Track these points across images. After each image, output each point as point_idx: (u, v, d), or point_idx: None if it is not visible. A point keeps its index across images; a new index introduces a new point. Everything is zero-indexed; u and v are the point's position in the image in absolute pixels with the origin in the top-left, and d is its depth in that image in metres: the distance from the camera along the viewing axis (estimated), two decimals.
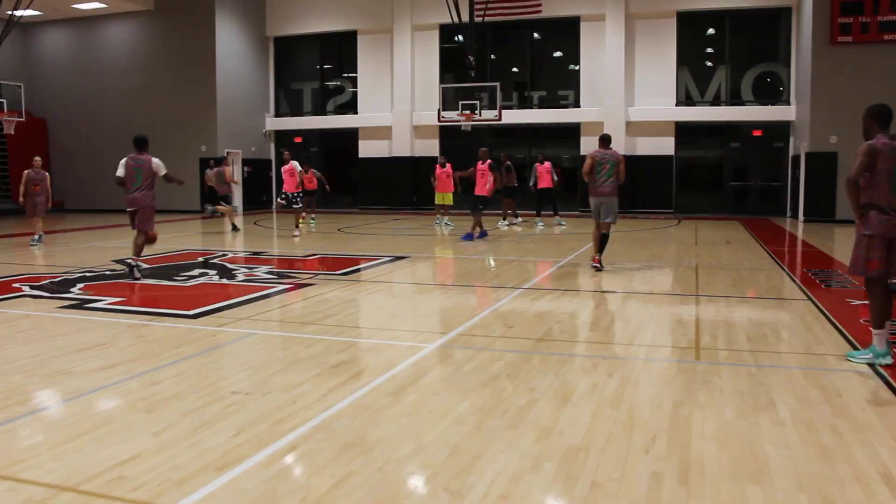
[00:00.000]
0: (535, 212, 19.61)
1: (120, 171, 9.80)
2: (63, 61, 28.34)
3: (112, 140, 27.42)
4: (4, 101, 23.51)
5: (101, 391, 5.00)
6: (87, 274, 10.36)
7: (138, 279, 9.51)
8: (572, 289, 9.24)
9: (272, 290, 8.84)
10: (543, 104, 25.40)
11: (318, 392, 4.92)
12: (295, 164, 16.64)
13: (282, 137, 28.44)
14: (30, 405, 4.72)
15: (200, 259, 12.00)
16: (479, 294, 8.86)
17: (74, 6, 26.49)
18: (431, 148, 26.31)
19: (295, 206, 16.47)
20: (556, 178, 19.04)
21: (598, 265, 10.54)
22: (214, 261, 11.71)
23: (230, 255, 12.58)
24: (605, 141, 10.56)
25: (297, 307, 8.02)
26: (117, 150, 26.81)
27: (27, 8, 24.05)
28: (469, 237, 14.96)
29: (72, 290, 8.94)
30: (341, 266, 11.20)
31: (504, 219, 19.25)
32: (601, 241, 10.65)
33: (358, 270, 10.69)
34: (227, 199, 18.71)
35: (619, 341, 6.40)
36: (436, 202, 19.12)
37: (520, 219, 19.27)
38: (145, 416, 4.47)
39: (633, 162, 23.41)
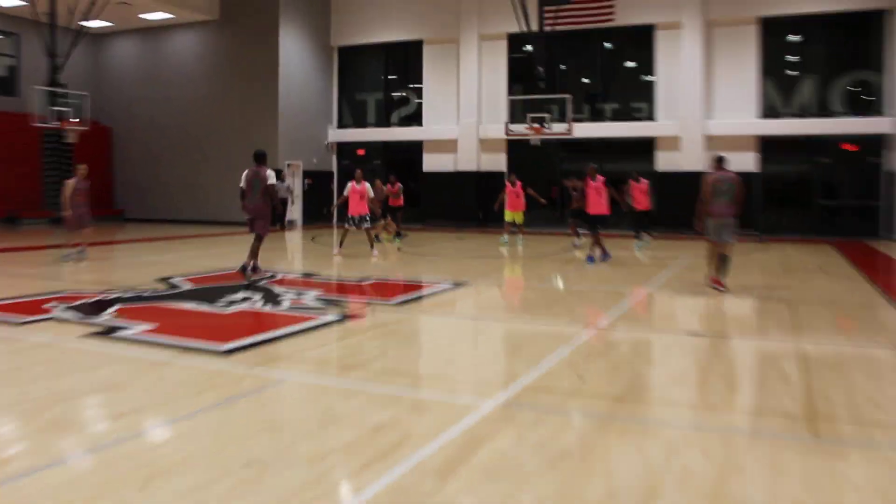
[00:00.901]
0: (633, 233, 18.64)
1: (242, 183, 11.32)
2: (130, 70, 28.67)
3: (173, 149, 27.68)
4: (71, 109, 23.61)
5: (93, 454, 4.26)
6: (126, 295, 9.88)
7: (256, 280, 10.88)
8: (650, 328, 8.32)
9: (317, 322, 8.16)
10: (616, 117, 24.76)
11: (351, 466, 4.10)
12: (367, 186, 15.31)
13: (344, 149, 28.33)
14: None
15: (246, 280, 11.50)
16: (547, 332, 7.97)
17: (142, 16, 26.70)
18: (498, 162, 25.81)
19: (365, 227, 15.33)
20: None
21: (720, 286, 10.45)
22: (262, 283, 11.17)
23: (280, 276, 12.00)
24: (721, 162, 10.52)
25: (341, 345, 7.28)
26: (178, 159, 27.33)
27: (97, 19, 24.17)
28: (591, 260, 14.26)
29: (104, 313, 8.47)
30: (397, 293, 10.62)
31: (578, 238, 18.18)
32: (722, 263, 10.56)
33: (415, 299, 10.01)
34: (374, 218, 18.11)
35: (713, 404, 5.39)
36: (506, 219, 18.59)
37: (581, 240, 18.28)
38: (137, 497, 3.69)
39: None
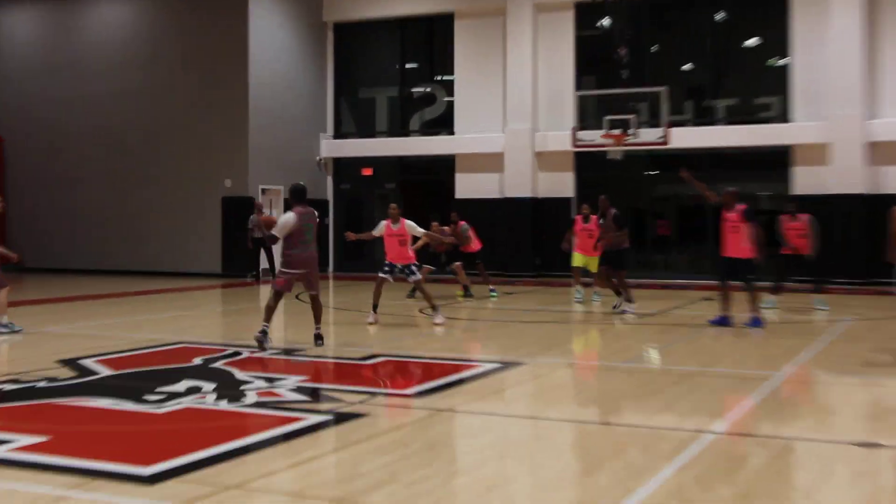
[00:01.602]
0: (770, 285, 17.82)
1: (284, 229, 12.04)
2: (27, 56, 28.88)
3: (94, 170, 27.62)
4: None
5: None
6: (11, 385, 9.67)
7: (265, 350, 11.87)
8: (798, 431, 7.91)
9: (295, 426, 7.88)
10: (733, 118, 24.75)
11: None
12: (411, 224, 15.23)
13: (344, 168, 28.58)
14: None
15: (198, 360, 11.34)
16: (641, 438, 7.64)
17: None
18: (562, 185, 25.86)
19: (414, 279, 15.30)
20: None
21: None
22: (218, 363, 11.04)
23: (245, 353, 11.92)
24: None
25: (328, 463, 6.99)
26: (100, 184, 27.24)
27: None
28: (756, 323, 14.31)
29: None
30: (414, 379, 10.72)
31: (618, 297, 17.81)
32: None
33: (443, 388, 9.81)
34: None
35: None
36: (573, 263, 18.66)
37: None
38: None
39: (880, 204, 21.60)
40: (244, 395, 9.02)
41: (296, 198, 12.31)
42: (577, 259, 18.49)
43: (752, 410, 8.71)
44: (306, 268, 12.29)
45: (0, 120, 28.93)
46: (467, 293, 19.65)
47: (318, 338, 12.41)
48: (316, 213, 12.52)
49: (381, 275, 15.16)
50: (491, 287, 19.93)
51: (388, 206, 15.77)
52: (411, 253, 15.28)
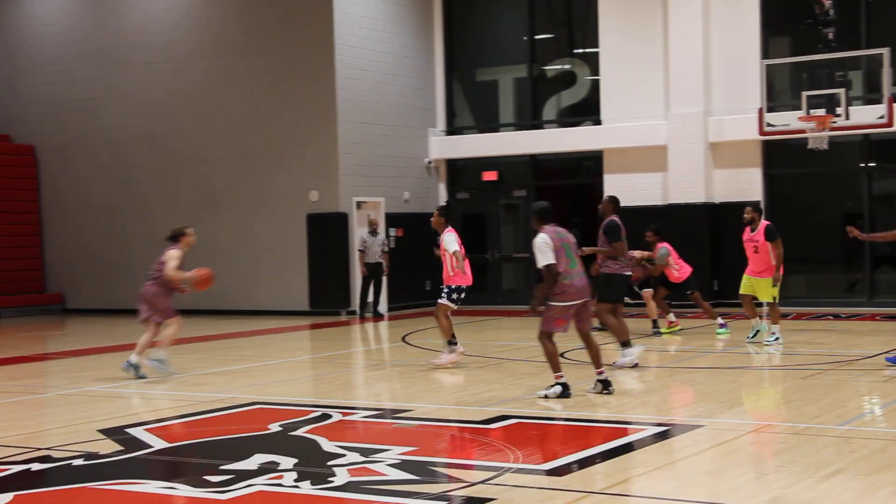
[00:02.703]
0: None
1: (548, 256, 12.44)
2: (62, 47, 29.47)
3: (150, 187, 27.79)
4: None
5: None
6: (35, 466, 9.73)
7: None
8: None
9: None
10: None
11: None
12: (447, 237, 15.81)
13: (460, 171, 28.90)
14: None
15: (275, 427, 11.42)
16: None
17: None
18: (746, 184, 25.34)
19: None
20: None
21: None
22: (301, 430, 11.10)
23: (335, 416, 12.00)
24: None
25: None
26: (159, 203, 27.55)
27: None
28: None
29: None
30: (553, 449, 10.50)
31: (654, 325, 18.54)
32: None
33: (590, 460, 9.62)
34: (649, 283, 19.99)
35: None
36: (741, 290, 18.49)
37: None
38: None
39: None
40: (333, 474, 8.97)
41: (545, 217, 12.87)
42: (745, 284, 18.31)
43: None
44: (583, 296, 12.76)
45: (31, 125, 29.70)
46: (655, 328, 19.93)
47: (605, 385, 12.86)
48: (566, 232, 12.94)
49: (443, 301, 15.84)
50: (721, 321, 19.81)
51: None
52: (450, 273, 15.82)
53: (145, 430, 11.24)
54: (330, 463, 9.35)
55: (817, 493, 8.37)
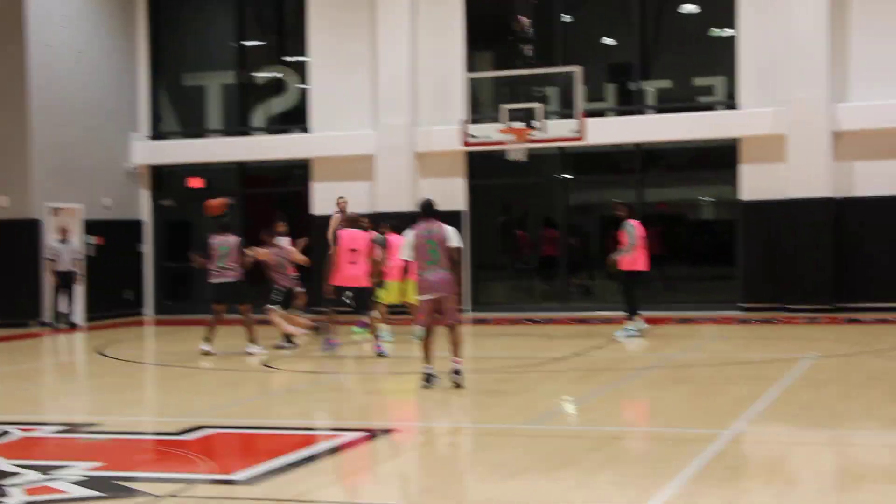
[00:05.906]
0: None
1: (407, 252, 13.48)
2: None
3: None
4: None
5: None
6: None
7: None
8: None
9: None
10: (664, 104, 25.14)
11: None
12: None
13: (165, 177, 28.33)
14: None
15: None
16: None
17: None
18: (452, 193, 25.52)
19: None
20: None
21: None
22: None
23: (15, 432, 11.50)
24: None
25: None
26: None
27: None
28: None
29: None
30: (253, 455, 10.44)
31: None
32: None
33: (287, 468, 9.41)
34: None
35: None
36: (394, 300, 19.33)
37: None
38: None
39: (850, 210, 21.98)
40: (5, 494, 8.64)
41: (428, 212, 13.77)
42: (390, 292, 18.90)
43: (692, 483, 8.59)
44: (440, 291, 13.46)
45: None
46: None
47: (456, 373, 13.49)
48: (442, 230, 13.54)
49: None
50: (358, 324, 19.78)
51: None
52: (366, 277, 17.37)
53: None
54: (3, 483, 8.94)
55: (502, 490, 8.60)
